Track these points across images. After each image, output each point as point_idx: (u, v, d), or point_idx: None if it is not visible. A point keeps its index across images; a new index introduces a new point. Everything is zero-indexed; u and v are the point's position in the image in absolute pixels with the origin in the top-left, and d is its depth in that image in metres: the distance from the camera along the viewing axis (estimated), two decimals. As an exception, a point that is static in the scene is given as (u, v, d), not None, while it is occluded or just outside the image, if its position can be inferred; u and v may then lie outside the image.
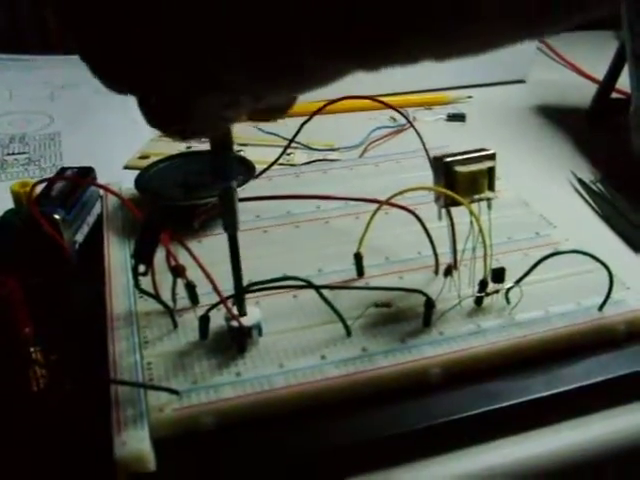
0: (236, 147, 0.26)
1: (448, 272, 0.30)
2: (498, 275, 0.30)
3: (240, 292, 0.28)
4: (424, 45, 0.16)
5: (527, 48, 0.64)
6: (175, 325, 0.29)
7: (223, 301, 0.28)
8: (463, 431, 0.27)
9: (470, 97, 0.62)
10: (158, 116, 0.20)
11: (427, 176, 0.31)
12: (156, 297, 0.29)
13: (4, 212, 0.37)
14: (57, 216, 0.35)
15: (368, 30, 0.15)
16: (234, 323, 0.28)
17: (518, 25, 0.15)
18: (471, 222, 0.29)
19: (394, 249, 0.34)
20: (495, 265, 0.30)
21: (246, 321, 0.28)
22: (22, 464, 0.26)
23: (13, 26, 0.76)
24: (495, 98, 0.64)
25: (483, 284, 0.30)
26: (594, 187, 0.46)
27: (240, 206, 0.27)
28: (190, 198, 0.37)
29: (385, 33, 0.15)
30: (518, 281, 0.30)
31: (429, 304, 0.29)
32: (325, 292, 0.29)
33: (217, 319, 0.29)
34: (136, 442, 0.24)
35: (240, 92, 0.19)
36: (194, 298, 0.30)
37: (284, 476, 0.25)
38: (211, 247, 0.34)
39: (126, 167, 0.50)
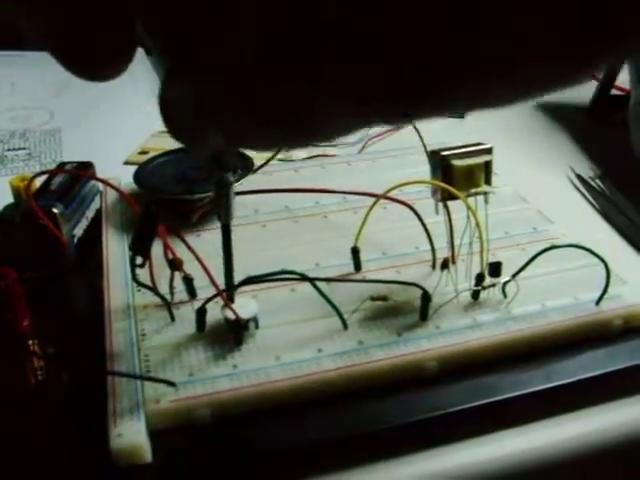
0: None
1: (445, 266, 0.30)
2: (495, 269, 0.30)
3: (230, 282, 0.28)
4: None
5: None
6: (172, 318, 0.29)
7: (220, 294, 0.28)
8: (459, 424, 0.27)
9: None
10: None
11: (425, 172, 0.31)
12: (154, 290, 0.29)
13: (3, 207, 0.38)
14: (56, 210, 0.35)
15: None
16: (231, 315, 0.28)
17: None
18: (468, 216, 0.29)
19: (391, 243, 0.34)
20: (492, 260, 0.30)
21: (243, 314, 0.28)
22: (19, 456, 0.26)
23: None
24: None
25: (480, 278, 0.30)
26: (593, 183, 0.46)
27: (238, 200, 0.27)
28: (188, 192, 0.37)
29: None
30: (515, 275, 0.30)
31: (426, 298, 0.29)
32: (322, 285, 0.29)
33: (214, 312, 0.29)
34: (132, 434, 0.24)
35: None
36: (191, 291, 0.30)
37: (280, 468, 0.25)
38: (209, 241, 0.34)
39: (126, 162, 0.50)
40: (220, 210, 0.26)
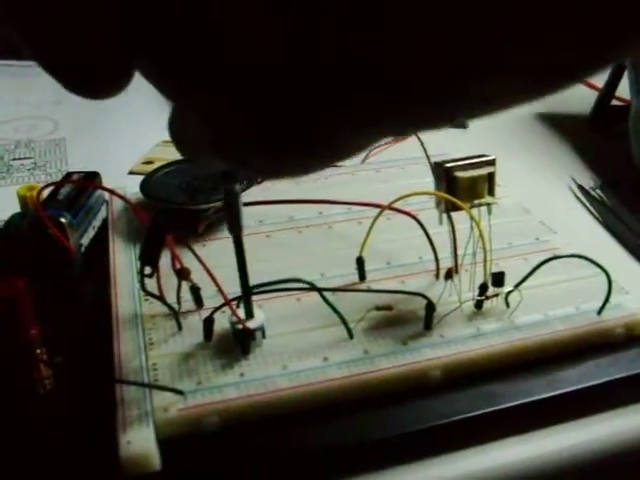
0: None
1: (449, 276, 0.31)
2: (498, 279, 0.30)
3: (247, 294, 0.28)
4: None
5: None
6: (180, 327, 0.30)
7: (228, 303, 0.28)
8: (463, 432, 0.27)
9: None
10: None
11: (428, 182, 0.31)
12: (161, 299, 0.30)
13: (10, 215, 0.38)
14: (63, 219, 0.35)
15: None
16: (238, 325, 0.28)
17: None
18: (471, 227, 0.30)
19: (396, 254, 0.35)
20: (495, 270, 0.30)
21: (250, 323, 0.28)
22: (27, 464, 0.26)
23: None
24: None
25: (483, 288, 0.30)
26: (594, 193, 0.46)
27: (243, 210, 0.27)
28: (194, 202, 0.37)
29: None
30: (517, 285, 0.30)
31: (430, 307, 0.29)
32: (328, 295, 0.29)
33: (221, 321, 0.29)
34: (141, 441, 0.24)
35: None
36: (199, 300, 0.31)
37: (287, 476, 0.26)
38: (215, 250, 0.35)
39: (131, 172, 0.50)
40: (229, 220, 0.27)
